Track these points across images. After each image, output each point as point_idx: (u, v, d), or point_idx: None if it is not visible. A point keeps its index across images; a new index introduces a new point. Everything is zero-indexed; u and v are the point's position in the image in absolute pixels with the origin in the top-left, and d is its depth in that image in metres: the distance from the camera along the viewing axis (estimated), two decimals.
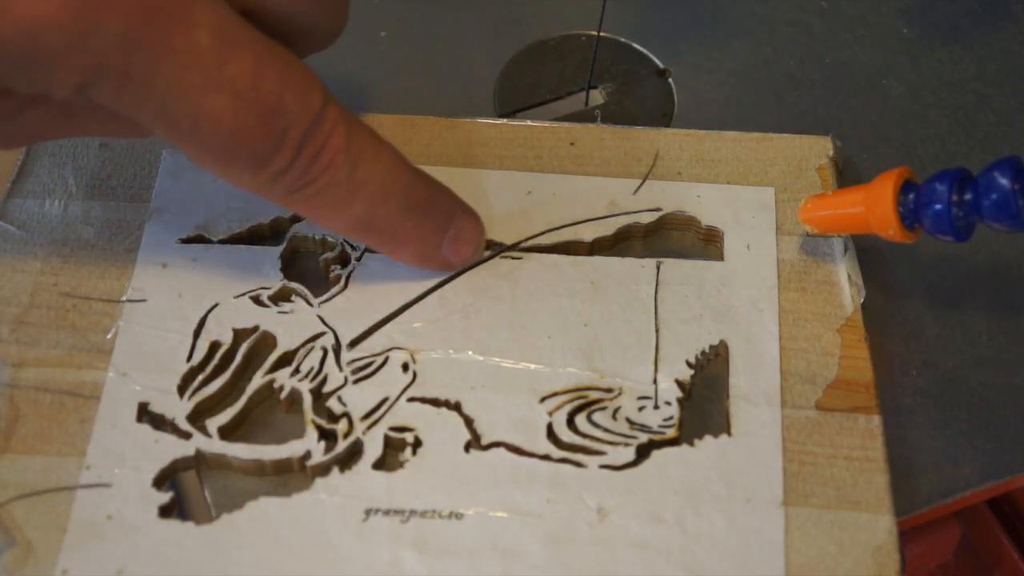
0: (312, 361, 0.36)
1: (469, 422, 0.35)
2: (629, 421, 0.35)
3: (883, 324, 0.38)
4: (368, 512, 0.33)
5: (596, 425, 0.35)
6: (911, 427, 0.36)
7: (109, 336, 0.36)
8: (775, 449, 0.34)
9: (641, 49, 0.47)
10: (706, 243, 0.39)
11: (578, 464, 0.34)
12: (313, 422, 0.34)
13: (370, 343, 0.36)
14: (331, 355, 0.36)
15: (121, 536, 0.32)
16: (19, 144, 0.33)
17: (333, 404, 0.35)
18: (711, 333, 0.36)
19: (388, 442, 0.34)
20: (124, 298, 0.37)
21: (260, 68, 0.30)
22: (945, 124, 0.44)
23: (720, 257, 0.38)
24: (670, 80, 0.46)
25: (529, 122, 0.42)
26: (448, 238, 0.36)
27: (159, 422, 0.35)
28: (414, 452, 0.34)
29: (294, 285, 0.37)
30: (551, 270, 0.38)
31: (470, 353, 0.36)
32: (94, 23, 0.28)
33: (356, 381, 0.35)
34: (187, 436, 0.34)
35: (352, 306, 0.37)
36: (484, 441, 0.34)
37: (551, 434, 0.34)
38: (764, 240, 0.38)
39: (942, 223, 0.34)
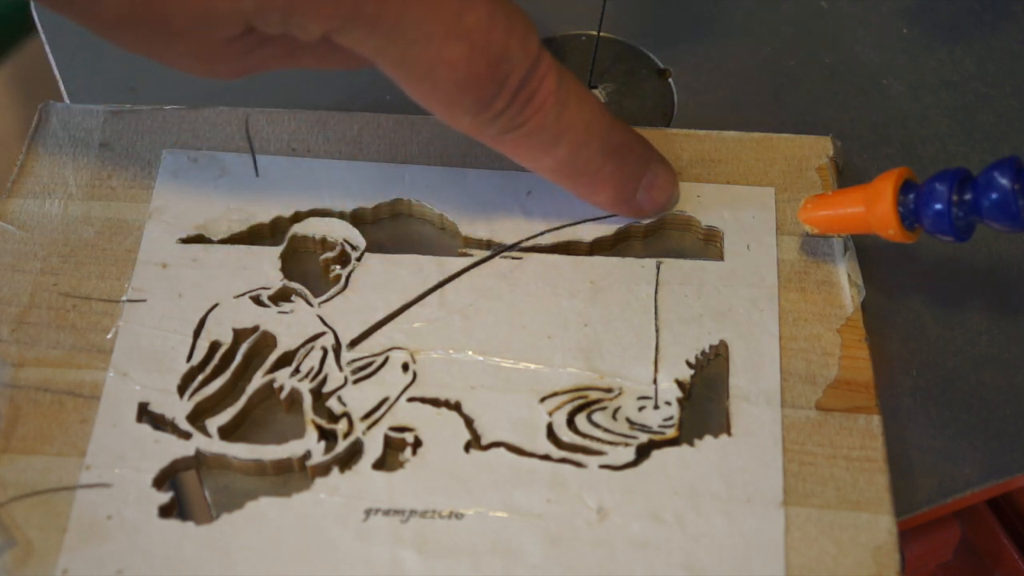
0: (312, 361, 0.36)
1: (469, 422, 0.35)
2: (629, 421, 0.35)
3: (883, 324, 0.38)
4: (368, 512, 0.33)
5: (596, 425, 0.35)
6: (911, 427, 0.36)
7: (109, 336, 0.36)
8: (775, 449, 0.34)
9: (641, 49, 0.47)
10: (706, 243, 0.39)
11: (578, 464, 0.34)
12: (313, 422, 0.34)
13: (370, 343, 0.36)
14: (331, 355, 0.36)
15: (121, 536, 0.32)
16: (240, 75, 0.34)
17: (333, 404, 0.35)
18: (711, 333, 0.36)
19: (388, 442, 0.34)
20: (124, 298, 0.37)
21: (492, 18, 0.32)
22: (945, 124, 0.44)
23: (720, 257, 0.38)
24: (670, 80, 0.46)
25: None
26: (644, 184, 0.37)
27: (159, 422, 0.35)
28: (414, 452, 0.34)
29: (294, 285, 0.37)
30: (551, 270, 0.38)
31: (470, 353, 0.36)
32: None
33: (356, 381, 0.35)
34: (187, 436, 0.34)
35: (352, 306, 0.37)
36: (484, 441, 0.34)
37: (551, 434, 0.34)
38: (764, 240, 0.38)
39: (942, 223, 0.34)
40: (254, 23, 0.31)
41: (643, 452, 0.34)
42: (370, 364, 0.36)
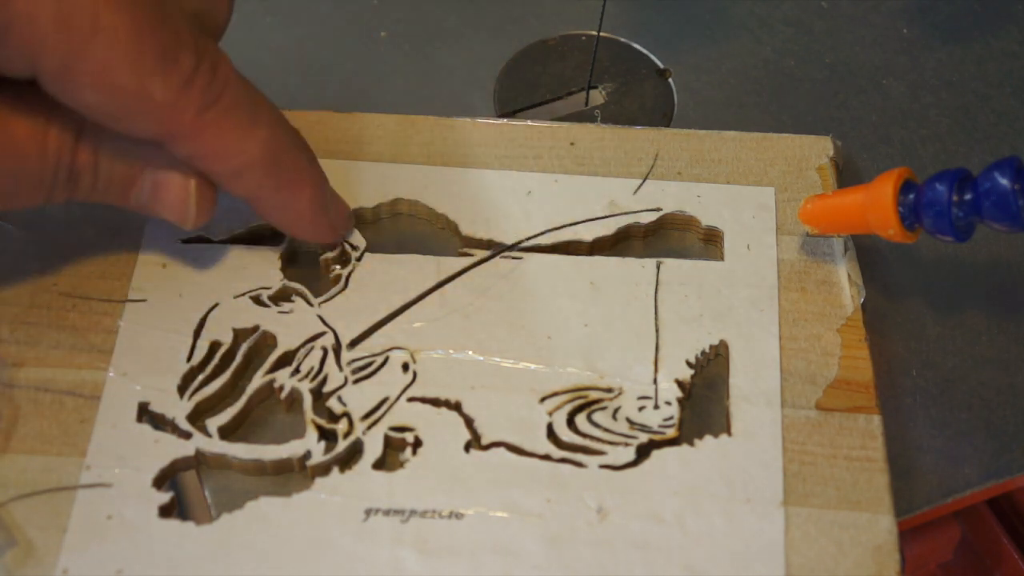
0: (312, 361, 0.36)
1: (469, 422, 0.35)
2: (629, 421, 0.35)
3: (883, 324, 0.38)
4: (368, 512, 0.33)
5: (596, 425, 0.35)
6: (911, 427, 0.36)
7: (109, 336, 0.36)
8: (775, 449, 0.34)
9: (641, 49, 0.47)
10: (706, 243, 0.39)
11: (578, 464, 0.34)
12: (313, 422, 0.34)
13: (370, 343, 0.36)
14: (331, 355, 0.36)
15: (121, 536, 0.32)
16: None
17: (333, 404, 0.35)
18: (711, 333, 0.36)
19: (388, 442, 0.34)
20: (124, 298, 0.37)
21: None
22: (945, 124, 0.44)
23: (720, 257, 0.38)
24: (670, 80, 0.46)
25: (529, 122, 0.42)
26: (329, 192, 0.36)
27: (159, 422, 0.35)
28: (414, 452, 0.34)
29: (294, 285, 0.37)
30: (551, 270, 0.38)
31: (470, 353, 0.36)
32: None
33: (356, 381, 0.35)
34: (187, 436, 0.34)
35: (352, 306, 0.37)
36: (484, 441, 0.34)
37: (551, 434, 0.34)
38: (764, 240, 0.38)
39: (942, 223, 0.34)
40: None
41: (643, 452, 0.34)
42: (370, 364, 0.36)
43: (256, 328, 0.36)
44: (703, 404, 0.36)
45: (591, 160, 0.40)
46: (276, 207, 0.35)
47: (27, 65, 0.30)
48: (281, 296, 0.37)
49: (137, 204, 0.34)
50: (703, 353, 0.36)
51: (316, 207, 0.36)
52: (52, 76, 0.30)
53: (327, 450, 0.34)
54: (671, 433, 0.34)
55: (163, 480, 0.33)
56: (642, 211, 0.39)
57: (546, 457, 0.34)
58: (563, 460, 0.34)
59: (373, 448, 0.34)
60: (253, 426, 0.35)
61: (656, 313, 0.37)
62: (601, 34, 0.45)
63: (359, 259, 0.38)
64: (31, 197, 0.32)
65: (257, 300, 0.37)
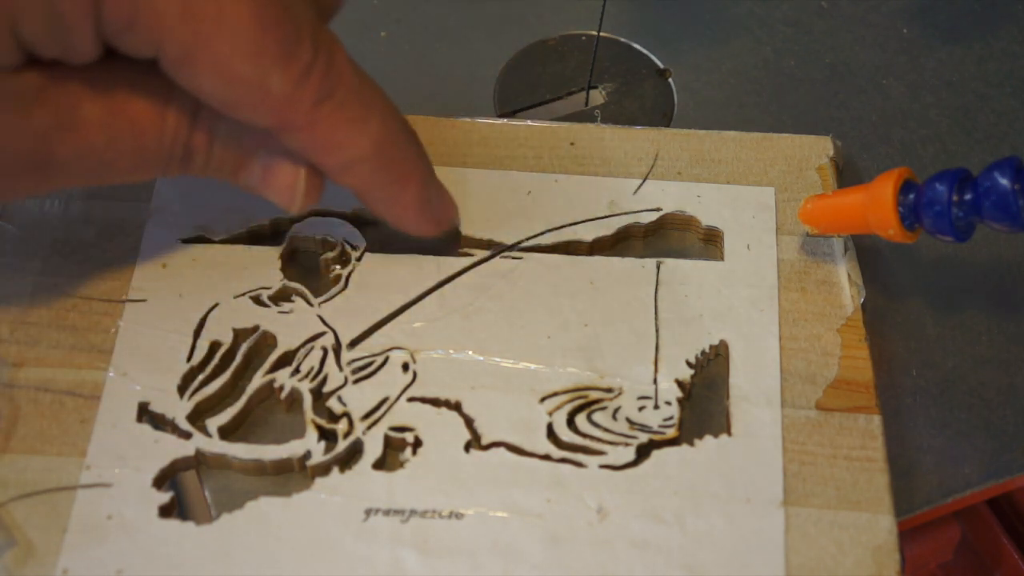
0: (312, 361, 0.36)
1: (469, 422, 0.35)
2: (629, 421, 0.35)
3: (883, 324, 0.38)
4: (368, 512, 0.33)
5: (596, 425, 0.35)
6: (911, 427, 0.36)
7: (109, 336, 0.36)
8: (775, 449, 0.34)
9: (641, 49, 0.47)
10: (706, 243, 0.39)
11: (578, 464, 0.34)
12: (313, 422, 0.34)
13: (370, 343, 0.36)
14: (331, 355, 0.36)
15: (121, 536, 0.32)
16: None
17: (333, 404, 0.35)
18: (711, 333, 0.36)
19: (388, 442, 0.34)
20: (124, 298, 0.37)
21: None
22: (945, 124, 0.44)
23: (720, 257, 0.38)
24: (670, 80, 0.46)
25: (529, 122, 0.42)
26: (435, 187, 0.36)
27: (159, 422, 0.35)
28: (414, 452, 0.34)
29: (294, 285, 0.37)
30: (551, 270, 0.38)
31: (470, 353, 0.36)
32: None
33: (356, 381, 0.35)
34: (187, 436, 0.34)
35: (352, 306, 0.37)
36: (484, 441, 0.34)
37: (551, 434, 0.34)
38: (764, 240, 0.38)
39: (942, 223, 0.34)
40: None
41: (643, 452, 0.34)
42: (370, 364, 0.36)
43: (256, 328, 0.36)
44: (703, 404, 0.36)
45: (591, 160, 0.40)
46: (382, 200, 0.35)
47: (151, 50, 0.30)
48: (281, 296, 0.37)
49: (246, 185, 0.34)
50: (703, 353, 0.36)
51: (421, 201, 0.35)
52: (173, 62, 0.30)
53: (327, 450, 0.34)
54: (671, 433, 0.34)
55: (163, 480, 0.33)
56: (642, 211, 0.39)
57: (546, 457, 0.34)
58: (563, 460, 0.34)
59: (373, 448, 0.34)
60: (253, 426, 0.35)
61: (656, 313, 0.37)
62: (601, 34, 0.45)
63: (359, 259, 0.38)
64: (148, 172, 0.33)
65: (257, 300, 0.37)
